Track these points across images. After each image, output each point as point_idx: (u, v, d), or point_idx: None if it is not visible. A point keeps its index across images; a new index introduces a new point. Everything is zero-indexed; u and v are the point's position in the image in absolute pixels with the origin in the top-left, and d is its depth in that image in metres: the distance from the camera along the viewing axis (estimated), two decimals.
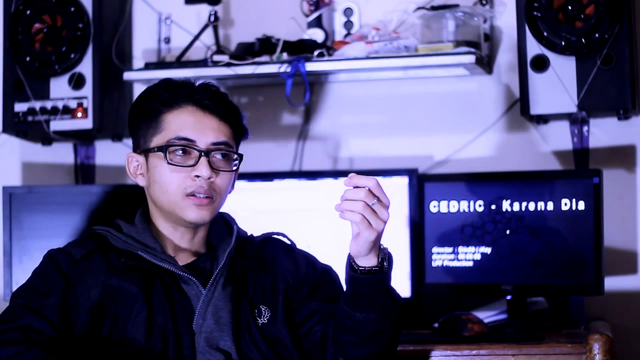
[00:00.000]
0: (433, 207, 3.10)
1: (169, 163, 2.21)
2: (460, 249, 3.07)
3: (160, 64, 3.39)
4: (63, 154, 3.59)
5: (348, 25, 3.38)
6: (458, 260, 3.07)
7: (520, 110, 3.15)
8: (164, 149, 2.22)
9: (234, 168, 2.27)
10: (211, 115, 2.25)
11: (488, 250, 3.05)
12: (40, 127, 3.38)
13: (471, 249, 3.06)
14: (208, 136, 2.23)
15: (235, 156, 2.27)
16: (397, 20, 3.29)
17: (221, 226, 2.32)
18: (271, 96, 3.45)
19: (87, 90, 3.36)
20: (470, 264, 3.06)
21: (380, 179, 2.05)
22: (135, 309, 2.16)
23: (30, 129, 3.41)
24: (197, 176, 2.20)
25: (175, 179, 2.21)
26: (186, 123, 2.23)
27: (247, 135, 2.33)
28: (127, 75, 3.36)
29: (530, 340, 2.72)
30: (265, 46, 3.27)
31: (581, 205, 2.97)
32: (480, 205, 3.06)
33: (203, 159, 2.21)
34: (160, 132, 2.24)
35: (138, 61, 3.54)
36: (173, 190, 2.22)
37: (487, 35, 3.28)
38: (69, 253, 2.22)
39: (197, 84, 2.29)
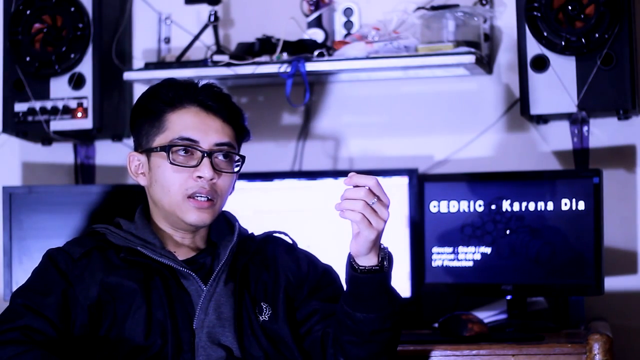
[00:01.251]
0: (433, 207, 3.10)
1: (171, 163, 2.21)
2: (460, 249, 3.07)
3: (160, 64, 3.39)
4: (63, 154, 3.59)
5: (348, 25, 3.38)
6: (458, 260, 3.07)
7: (520, 110, 3.15)
8: (166, 148, 2.22)
9: (236, 169, 2.27)
10: (215, 117, 2.25)
11: (488, 250, 3.05)
12: (40, 127, 3.38)
13: (471, 249, 3.06)
14: (211, 137, 2.23)
15: (237, 157, 2.28)
16: (397, 20, 3.29)
17: (222, 223, 2.32)
18: (271, 96, 3.45)
19: (87, 90, 3.36)
20: (470, 264, 3.06)
21: (380, 178, 2.05)
22: (134, 304, 2.16)
23: (30, 129, 3.41)
24: (200, 177, 2.20)
25: (177, 179, 2.21)
26: (190, 123, 2.23)
27: (249, 137, 2.33)
28: (127, 75, 3.36)
29: (530, 340, 2.72)
30: (265, 46, 3.27)
31: (581, 205, 2.97)
32: (480, 205, 3.06)
33: (206, 160, 2.21)
34: (163, 132, 2.24)
35: (138, 61, 3.54)
36: (175, 191, 2.22)
37: (487, 35, 3.28)
38: (68, 252, 2.22)
39: (200, 84, 2.29)
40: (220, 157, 2.24)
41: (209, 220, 2.25)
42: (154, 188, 2.26)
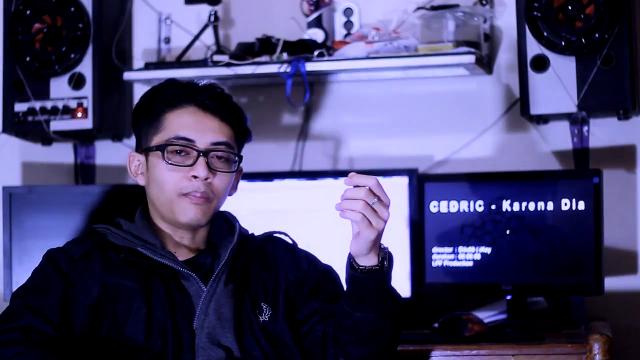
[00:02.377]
0: (433, 207, 3.10)
1: (166, 162, 2.21)
2: (460, 249, 3.07)
3: (160, 64, 3.38)
4: (63, 154, 3.58)
5: (348, 25, 3.38)
6: (458, 260, 3.07)
7: (520, 110, 3.15)
8: (162, 147, 2.22)
9: (234, 169, 2.26)
10: (212, 116, 2.24)
11: (488, 250, 3.05)
12: (40, 127, 3.38)
13: (471, 249, 3.06)
14: (207, 136, 2.22)
15: (236, 158, 2.27)
16: (397, 20, 3.29)
17: (222, 224, 2.32)
18: (271, 96, 3.45)
19: (87, 90, 3.36)
20: (470, 264, 3.06)
21: (380, 179, 2.05)
22: (135, 305, 2.16)
23: (30, 129, 3.41)
24: (195, 176, 2.20)
25: (172, 179, 2.21)
26: (186, 123, 2.23)
27: (249, 137, 2.33)
28: (127, 75, 3.36)
29: (530, 340, 2.72)
30: (265, 46, 3.27)
31: (581, 205, 2.97)
32: (480, 205, 3.06)
33: (201, 159, 2.20)
34: (161, 132, 2.24)
35: (138, 61, 3.54)
36: (170, 190, 2.21)
37: (487, 35, 3.28)
38: (68, 252, 2.22)
39: (201, 84, 2.28)
40: (217, 157, 2.24)
41: (203, 219, 2.24)
42: (151, 187, 2.26)
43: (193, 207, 2.21)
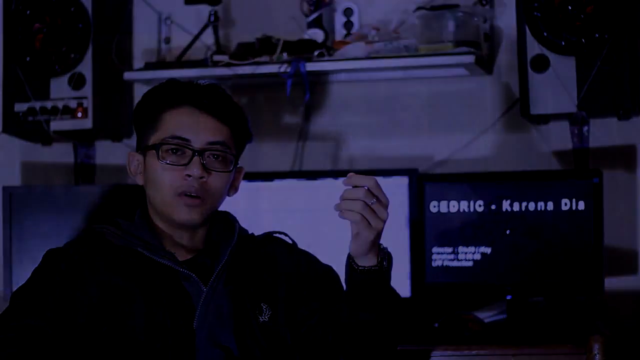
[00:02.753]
0: (433, 207, 3.10)
1: (161, 162, 2.21)
2: (460, 249, 3.07)
3: (160, 64, 3.39)
4: (63, 154, 3.58)
5: (348, 25, 3.38)
6: (458, 260, 3.07)
7: (520, 110, 3.15)
8: (157, 147, 2.21)
9: (230, 169, 2.25)
10: (209, 116, 2.23)
11: (488, 250, 3.05)
12: (40, 127, 3.38)
13: (471, 249, 3.06)
14: (203, 136, 2.21)
15: (233, 158, 2.26)
16: (397, 20, 3.30)
17: (222, 224, 2.32)
18: (271, 96, 3.45)
19: (87, 90, 3.36)
20: (470, 264, 3.06)
21: (380, 179, 2.05)
22: (134, 306, 2.16)
23: (30, 129, 3.41)
24: (189, 175, 2.20)
25: (168, 178, 2.20)
26: (182, 122, 2.22)
27: (249, 137, 2.32)
28: (127, 75, 3.36)
29: (530, 340, 2.72)
30: (265, 46, 3.27)
31: (581, 205, 2.97)
32: (480, 205, 3.06)
33: (196, 158, 2.20)
34: (158, 131, 2.23)
35: (138, 61, 3.54)
36: (165, 189, 2.21)
37: (487, 35, 3.28)
38: (68, 252, 2.22)
39: (202, 84, 2.28)
40: (213, 157, 2.23)
41: (198, 219, 2.23)
42: (148, 187, 2.25)
43: (187, 209, 2.21)
